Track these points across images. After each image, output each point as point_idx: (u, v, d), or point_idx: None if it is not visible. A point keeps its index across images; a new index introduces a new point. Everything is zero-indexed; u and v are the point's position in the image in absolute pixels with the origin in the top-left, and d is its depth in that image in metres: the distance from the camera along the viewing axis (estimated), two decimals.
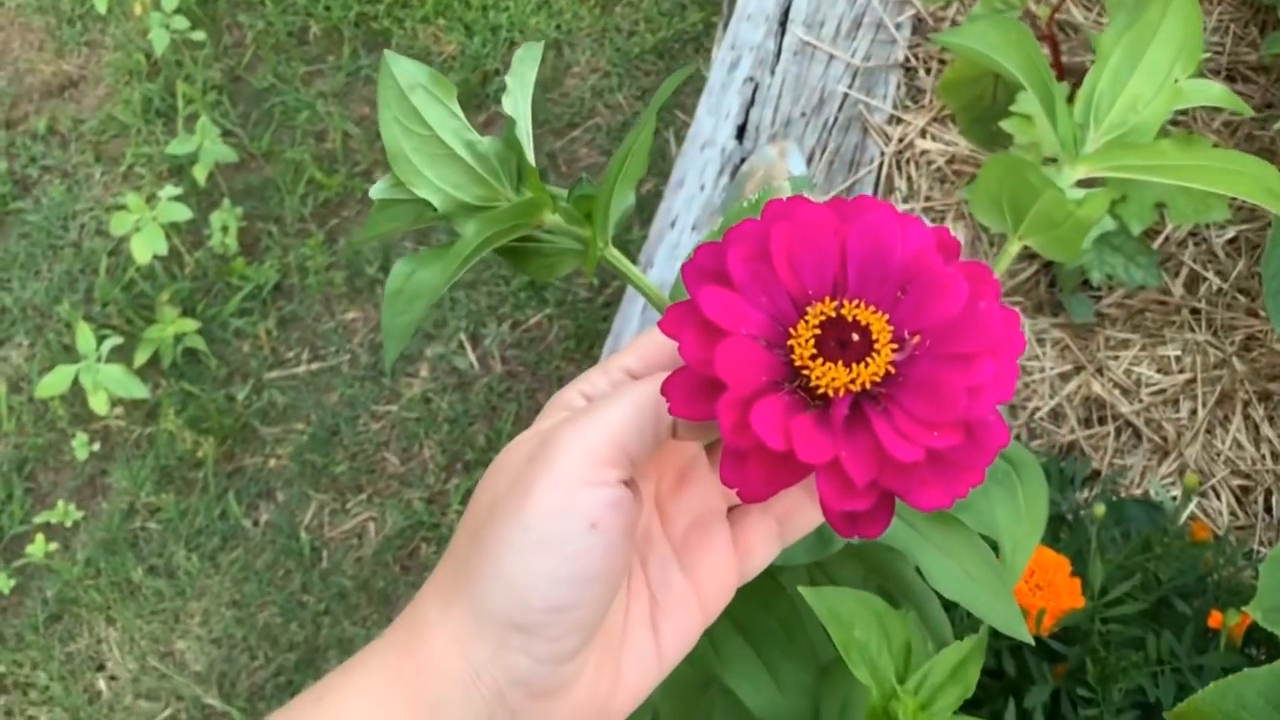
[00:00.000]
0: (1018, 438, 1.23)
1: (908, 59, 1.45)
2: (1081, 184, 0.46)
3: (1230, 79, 1.39)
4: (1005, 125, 1.18)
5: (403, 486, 1.53)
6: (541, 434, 0.36)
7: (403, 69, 0.47)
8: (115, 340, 1.56)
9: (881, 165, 1.39)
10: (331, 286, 1.67)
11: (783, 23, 1.50)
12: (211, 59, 1.86)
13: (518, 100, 0.48)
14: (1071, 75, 1.31)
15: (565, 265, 0.51)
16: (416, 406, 1.57)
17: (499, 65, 1.81)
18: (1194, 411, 1.22)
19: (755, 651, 0.54)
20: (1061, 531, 0.99)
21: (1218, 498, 1.18)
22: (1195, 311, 1.27)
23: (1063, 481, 1.09)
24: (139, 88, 1.84)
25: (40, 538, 1.52)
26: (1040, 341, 1.27)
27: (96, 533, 1.54)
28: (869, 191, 1.37)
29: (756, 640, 0.54)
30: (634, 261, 0.49)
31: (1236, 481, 1.19)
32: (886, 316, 0.31)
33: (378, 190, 0.50)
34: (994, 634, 0.51)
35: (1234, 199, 1.26)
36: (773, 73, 1.46)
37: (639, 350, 0.37)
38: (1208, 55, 1.38)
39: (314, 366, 1.62)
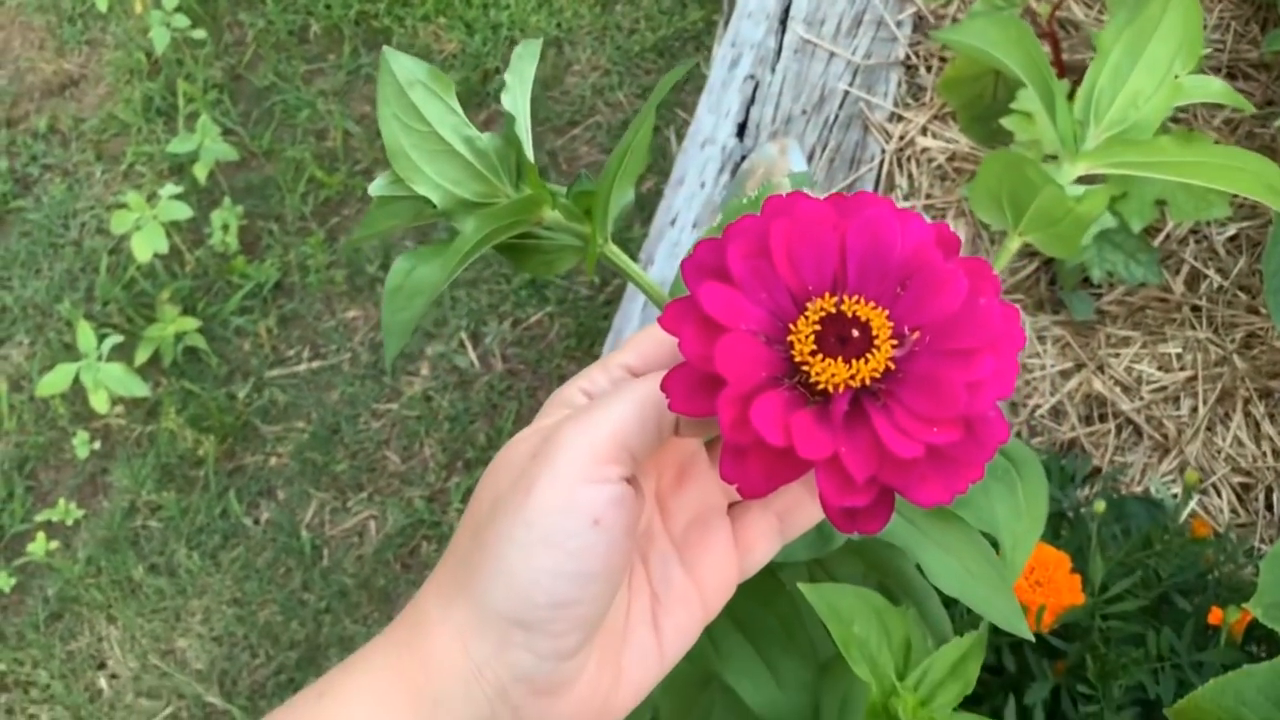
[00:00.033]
0: (1018, 435, 1.23)
1: (908, 57, 1.45)
2: (1082, 180, 0.46)
3: (1231, 76, 1.39)
4: (1006, 123, 1.18)
5: (403, 485, 1.54)
6: (543, 431, 0.36)
7: (402, 65, 0.47)
8: (116, 339, 1.56)
9: (882, 163, 1.39)
10: (332, 285, 1.67)
11: (783, 20, 1.50)
12: (212, 57, 1.86)
13: (517, 97, 0.48)
14: (1072, 73, 1.31)
15: (565, 262, 0.51)
16: (417, 405, 1.57)
17: (499, 63, 1.81)
18: (1195, 409, 1.22)
19: (755, 648, 0.54)
20: (1062, 528, 1.00)
21: (1218, 495, 1.18)
22: (1196, 309, 1.27)
23: (1063, 479, 1.09)
24: (140, 86, 1.84)
25: (41, 536, 1.52)
26: (1041, 339, 1.27)
27: (97, 531, 1.54)
28: (870, 189, 1.37)
29: (756, 637, 0.54)
30: (634, 259, 0.49)
31: (1237, 479, 1.19)
32: (886, 312, 0.31)
33: (377, 187, 0.50)
34: (994, 630, 0.51)
35: (1235, 196, 1.26)
36: (773, 70, 1.46)
37: (638, 347, 0.37)
38: (1209, 53, 1.38)
39: (315, 365, 1.62)
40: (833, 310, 0.31)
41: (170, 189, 1.63)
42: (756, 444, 0.30)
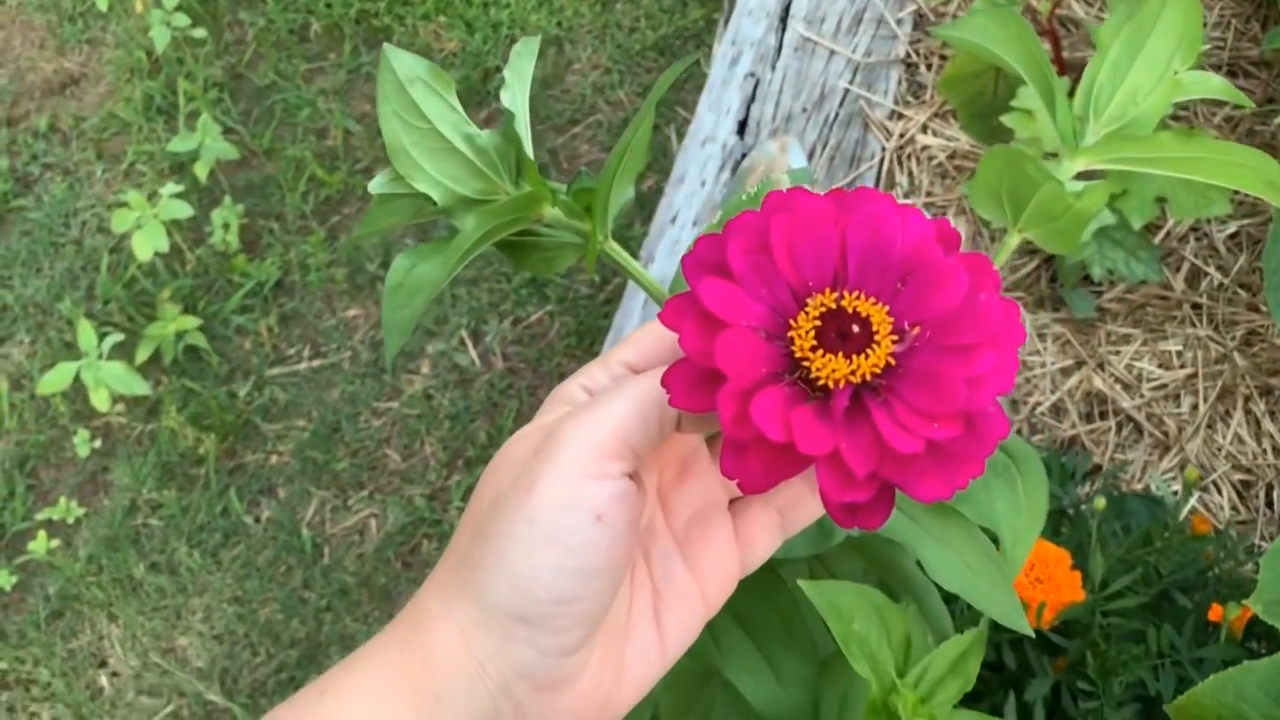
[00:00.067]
0: (1019, 433, 1.23)
1: (909, 54, 1.45)
2: (1081, 177, 0.46)
3: (1232, 74, 1.39)
4: (1006, 120, 1.18)
5: (404, 483, 1.54)
6: (544, 428, 0.36)
7: (402, 63, 0.47)
8: (116, 337, 1.57)
9: (882, 161, 1.39)
10: (333, 283, 1.67)
11: (784, 18, 1.50)
12: (213, 56, 1.86)
13: (516, 94, 0.48)
14: (1073, 70, 1.31)
15: (565, 259, 0.51)
16: (418, 403, 1.57)
17: (500, 62, 1.81)
18: (1195, 406, 1.22)
19: (755, 645, 0.54)
20: (1062, 526, 1.00)
21: (1219, 492, 1.18)
22: (1196, 306, 1.27)
23: (1063, 476, 1.09)
24: (140, 85, 1.84)
25: (42, 534, 1.52)
26: (1041, 337, 1.27)
27: (98, 529, 1.54)
28: (870, 187, 1.36)
29: (757, 633, 0.54)
30: (635, 257, 0.49)
31: (1238, 476, 1.19)
32: (887, 308, 0.31)
33: (377, 185, 0.50)
34: (994, 627, 0.51)
35: (1235, 194, 1.26)
36: (774, 68, 1.46)
37: (638, 344, 0.37)
38: (1209, 50, 1.38)
39: (315, 363, 1.62)
40: (833, 306, 0.31)
41: (171, 188, 1.63)
42: (757, 440, 0.30)
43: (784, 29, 1.49)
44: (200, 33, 1.83)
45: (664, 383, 0.32)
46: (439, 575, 0.36)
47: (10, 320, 1.69)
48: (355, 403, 1.59)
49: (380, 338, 1.61)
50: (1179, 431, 1.21)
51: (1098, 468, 1.20)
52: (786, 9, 1.50)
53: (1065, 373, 1.25)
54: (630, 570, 0.38)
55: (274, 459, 1.57)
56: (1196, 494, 1.17)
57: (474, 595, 0.34)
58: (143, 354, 1.59)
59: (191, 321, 1.61)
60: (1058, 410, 1.24)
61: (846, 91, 1.43)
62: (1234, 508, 1.17)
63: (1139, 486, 1.18)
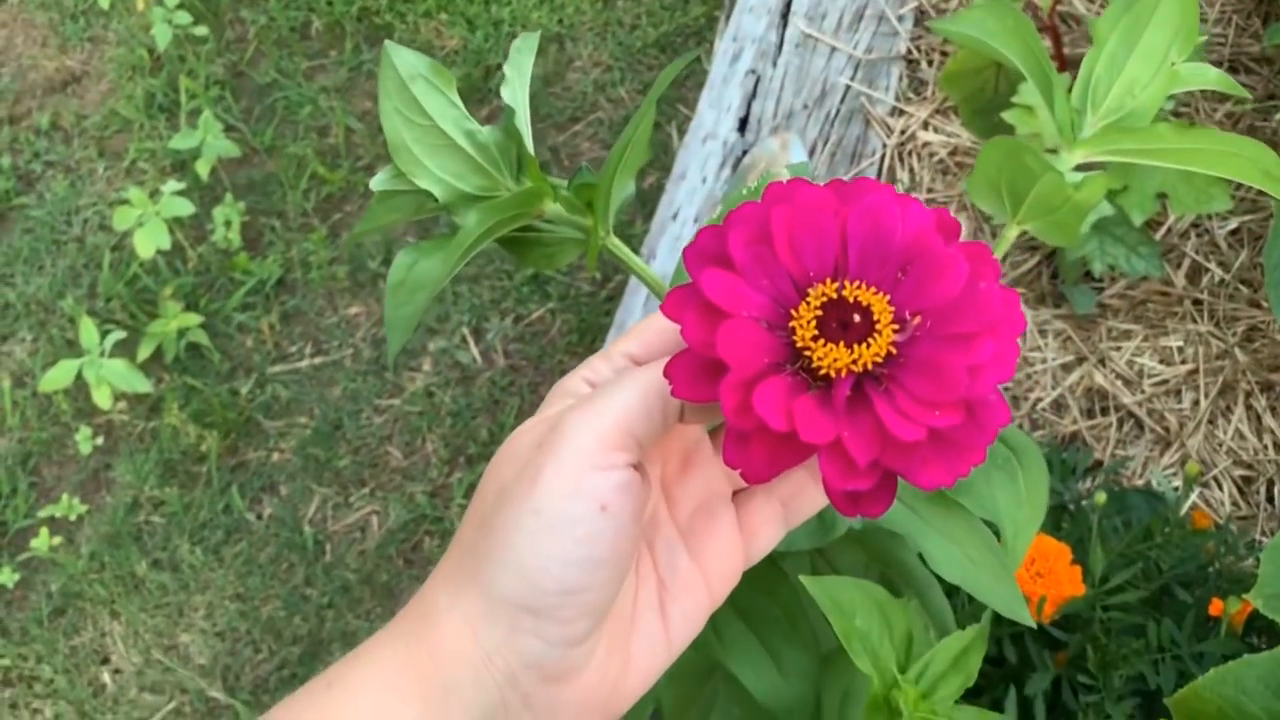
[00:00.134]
0: (1020, 428, 1.23)
1: (910, 51, 1.45)
2: (1080, 170, 0.46)
3: (1233, 70, 1.39)
4: (1007, 116, 1.18)
5: (405, 480, 1.54)
6: (547, 421, 0.36)
7: (403, 59, 0.47)
8: (118, 335, 1.57)
9: (883, 157, 1.39)
10: (334, 281, 1.67)
11: (785, 15, 1.50)
12: (214, 54, 1.86)
13: (516, 90, 0.48)
14: (1074, 67, 1.31)
15: (566, 255, 0.51)
16: (419, 401, 1.58)
17: (501, 60, 1.81)
18: (1196, 402, 1.22)
19: (758, 637, 0.54)
20: (1063, 521, 1.00)
21: (1220, 488, 1.18)
22: (1197, 302, 1.27)
23: (1065, 471, 1.09)
24: (142, 83, 1.85)
25: (44, 532, 1.52)
26: (1043, 332, 1.27)
27: (100, 527, 1.54)
28: None
29: (759, 626, 0.54)
30: (636, 254, 0.49)
31: (1239, 472, 1.19)
32: (887, 297, 0.31)
33: (379, 181, 0.50)
34: (995, 622, 0.52)
35: (1236, 190, 1.26)
36: (774, 65, 1.46)
37: (640, 336, 0.38)
38: (1210, 47, 1.38)
39: (317, 361, 1.63)
40: (834, 296, 0.31)
41: (172, 185, 1.63)
42: (759, 429, 0.30)
43: (785, 25, 1.49)
44: (202, 30, 1.83)
45: (666, 374, 0.33)
46: (444, 569, 0.37)
47: (13, 318, 1.70)
48: (357, 400, 1.59)
49: (382, 335, 1.61)
50: (1180, 427, 1.21)
51: (1099, 463, 1.20)
52: (788, 5, 1.50)
53: (1066, 368, 1.25)
54: (635, 562, 0.38)
55: (276, 456, 1.57)
56: (1197, 489, 1.17)
57: (480, 587, 0.35)
58: (144, 351, 1.60)
59: (193, 319, 1.61)
60: (1059, 406, 1.24)
61: (848, 88, 1.43)
62: (1234, 503, 1.18)
63: (1140, 482, 1.19)
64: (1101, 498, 0.93)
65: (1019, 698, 0.87)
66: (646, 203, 1.59)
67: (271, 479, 1.56)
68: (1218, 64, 1.39)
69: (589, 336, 1.58)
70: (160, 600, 1.49)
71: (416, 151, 0.48)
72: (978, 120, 1.28)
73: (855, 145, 1.40)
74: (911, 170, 1.38)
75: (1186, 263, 1.28)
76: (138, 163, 1.79)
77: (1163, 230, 1.30)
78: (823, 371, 0.31)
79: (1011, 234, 0.44)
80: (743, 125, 1.43)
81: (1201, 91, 1.35)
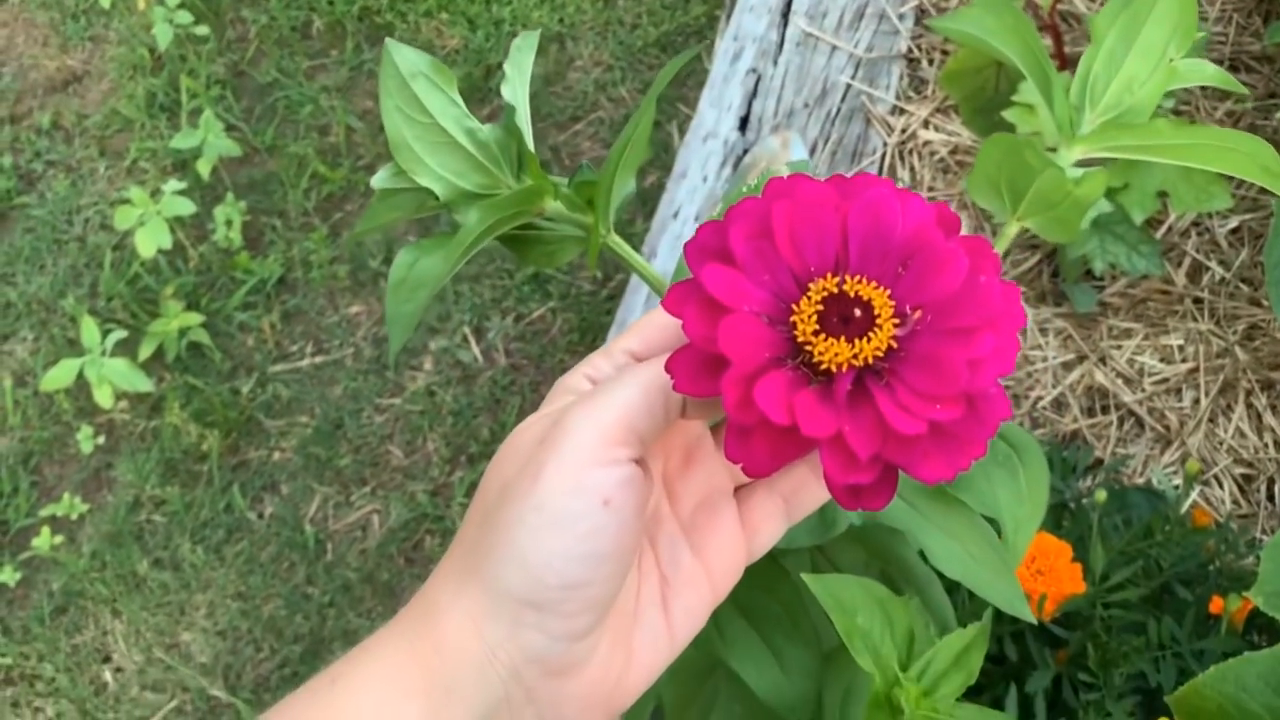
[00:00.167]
0: (1020, 426, 1.23)
1: (910, 50, 1.45)
2: (1079, 166, 0.46)
3: (1234, 69, 1.39)
4: (1008, 115, 1.18)
5: (407, 479, 1.54)
6: (549, 416, 0.36)
7: (404, 57, 0.47)
8: (120, 334, 1.57)
9: (884, 156, 1.39)
10: (335, 280, 1.67)
11: (785, 14, 1.50)
12: (215, 53, 1.87)
13: (516, 88, 0.48)
14: (1074, 65, 1.31)
15: (567, 253, 0.51)
16: (420, 399, 1.58)
17: (502, 59, 1.81)
18: (1196, 400, 1.22)
19: (759, 635, 0.54)
20: (1063, 519, 1.00)
21: (1220, 486, 1.18)
22: (1198, 301, 1.27)
23: (1065, 470, 1.09)
24: (143, 82, 1.85)
25: (46, 531, 1.52)
26: (1043, 331, 1.27)
27: (102, 525, 1.54)
28: None
29: (760, 623, 0.54)
30: (637, 253, 0.49)
31: (1239, 470, 1.19)
32: (888, 292, 0.32)
33: (379, 180, 0.50)
34: (996, 619, 0.52)
35: (1236, 188, 1.26)
36: (775, 64, 1.46)
37: (641, 332, 0.38)
38: (1210, 45, 1.38)
39: (318, 360, 1.63)
40: (835, 290, 0.32)
41: (173, 185, 1.64)
42: (761, 423, 0.30)
43: (786, 24, 1.49)
44: (203, 30, 1.83)
45: (668, 369, 0.33)
46: (447, 565, 0.37)
47: (14, 317, 1.70)
48: (358, 399, 1.59)
49: (382, 334, 1.61)
50: (1180, 425, 1.21)
51: (1099, 462, 1.20)
52: (788, 4, 1.50)
53: (1067, 367, 1.25)
54: (638, 557, 0.38)
55: (277, 455, 1.57)
56: (1197, 488, 1.17)
57: (483, 582, 0.35)
58: (146, 351, 1.60)
59: (194, 318, 1.61)
60: (1059, 404, 1.24)
61: (848, 87, 1.43)
62: (1235, 501, 1.18)
63: (1140, 480, 1.19)
64: (1102, 496, 0.93)
65: (1020, 695, 0.87)
66: (647, 201, 1.59)
67: (273, 478, 1.56)
68: (1218, 62, 1.39)
69: (590, 335, 1.59)
70: (162, 599, 1.49)
71: (417, 149, 0.48)
72: (978, 119, 1.28)
73: (856, 144, 1.40)
74: (912, 169, 1.38)
75: (1187, 261, 1.28)
76: (139, 162, 1.80)
77: (1163, 229, 1.30)
78: (824, 366, 0.31)
79: (1012, 230, 0.44)
80: (743, 124, 1.43)
81: (1202, 90, 1.35)
